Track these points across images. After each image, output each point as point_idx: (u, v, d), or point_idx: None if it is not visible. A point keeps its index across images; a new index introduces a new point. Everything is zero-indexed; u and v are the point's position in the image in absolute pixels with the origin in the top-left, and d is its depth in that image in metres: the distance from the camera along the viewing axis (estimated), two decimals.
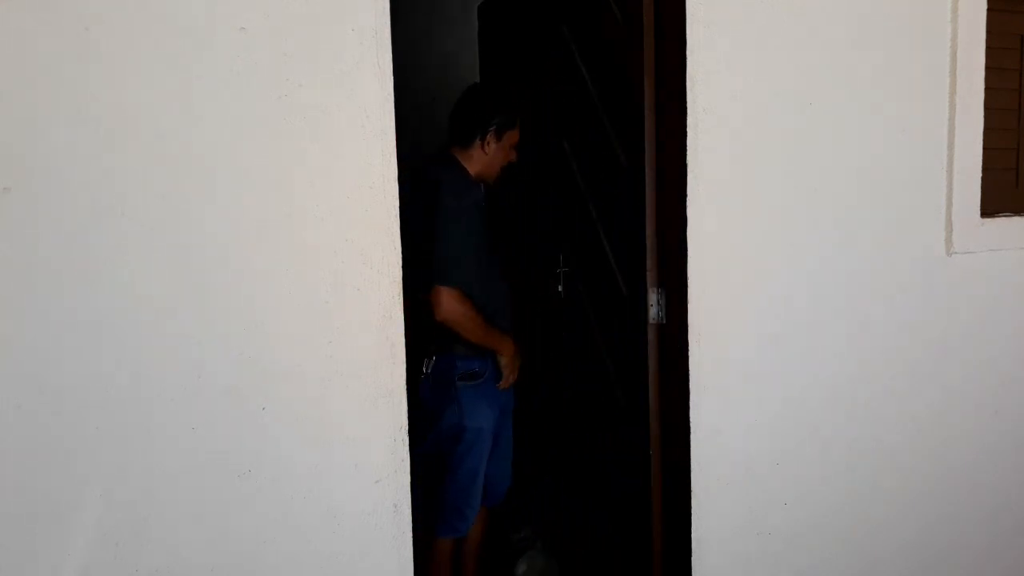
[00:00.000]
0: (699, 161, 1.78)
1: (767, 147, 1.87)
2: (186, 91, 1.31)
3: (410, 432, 1.54)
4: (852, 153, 1.98)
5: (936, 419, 2.19)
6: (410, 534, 1.54)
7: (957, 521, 2.26)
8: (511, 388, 2.26)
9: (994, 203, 2.21)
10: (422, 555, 1.60)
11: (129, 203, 1.29)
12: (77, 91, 1.24)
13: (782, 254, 1.92)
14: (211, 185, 1.34)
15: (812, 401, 1.99)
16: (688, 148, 1.77)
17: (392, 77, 1.46)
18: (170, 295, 1.32)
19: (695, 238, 1.80)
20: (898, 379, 2.11)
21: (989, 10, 2.12)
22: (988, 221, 2.19)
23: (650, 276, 1.93)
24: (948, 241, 2.13)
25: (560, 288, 2.50)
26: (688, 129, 1.77)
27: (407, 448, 1.52)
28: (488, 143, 2.15)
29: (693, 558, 1.87)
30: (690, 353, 1.82)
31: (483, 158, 2.17)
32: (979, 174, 2.15)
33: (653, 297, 1.93)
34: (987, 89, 2.13)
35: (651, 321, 1.94)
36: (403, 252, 1.50)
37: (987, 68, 2.13)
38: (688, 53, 1.75)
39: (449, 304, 1.98)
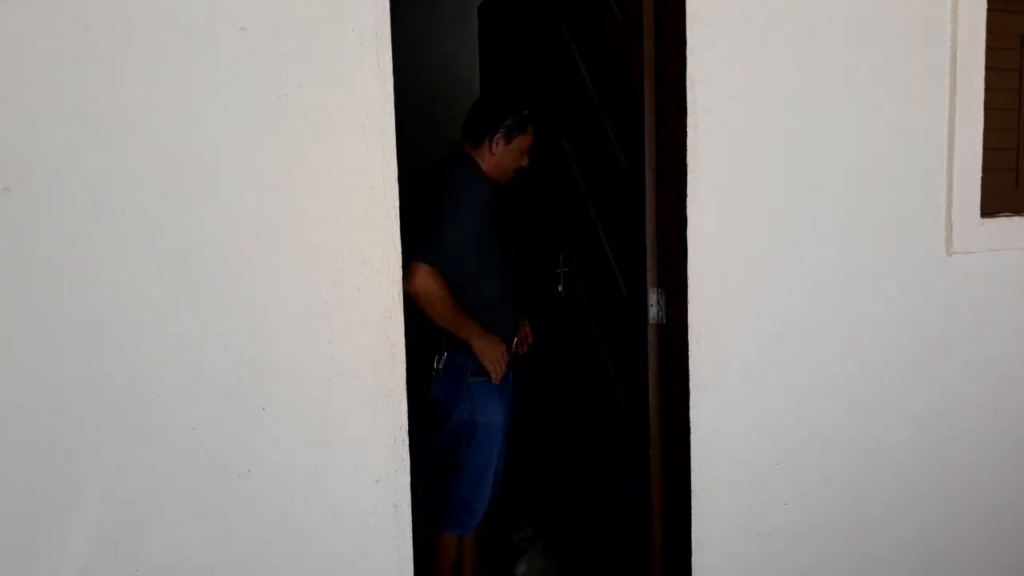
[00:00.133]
0: (699, 161, 1.78)
1: (767, 147, 1.87)
2: (186, 91, 1.31)
3: (418, 430, 1.54)
4: (852, 153, 1.98)
5: (936, 419, 2.19)
6: (410, 534, 1.54)
7: (957, 521, 2.26)
8: (511, 385, 2.26)
9: (994, 203, 2.21)
10: (422, 555, 1.60)
11: (129, 203, 1.29)
12: (77, 91, 1.24)
13: (782, 254, 1.92)
14: (211, 185, 1.34)
15: (812, 401, 1.99)
16: (688, 148, 1.77)
17: (392, 77, 1.46)
18: (170, 295, 1.32)
19: (695, 238, 1.80)
20: (898, 379, 2.11)
21: (989, 10, 2.12)
22: (988, 221, 2.19)
23: (650, 276, 1.93)
24: (948, 241, 2.13)
25: (560, 288, 2.50)
26: (688, 129, 1.77)
27: (407, 448, 1.52)
28: (496, 144, 2.17)
29: (693, 558, 1.87)
30: (690, 353, 1.82)
31: (491, 158, 2.19)
32: (979, 174, 2.15)
33: (653, 297, 1.93)
34: (987, 89, 2.13)
35: (651, 321, 1.94)
36: (403, 252, 1.50)
37: (987, 68, 2.13)
38: (688, 53, 1.75)
39: (423, 280, 1.97)
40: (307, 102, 1.39)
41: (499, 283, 2.23)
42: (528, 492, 2.81)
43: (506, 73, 3.01)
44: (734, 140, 1.82)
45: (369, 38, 1.43)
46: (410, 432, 1.53)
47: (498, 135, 2.17)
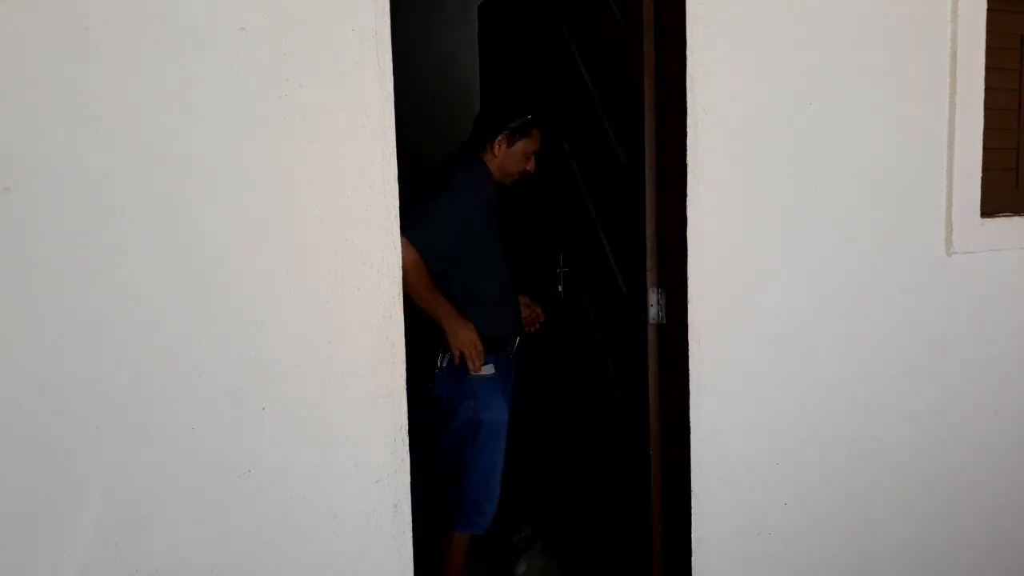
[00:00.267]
0: (699, 161, 1.78)
1: (767, 147, 1.87)
2: (186, 91, 1.31)
3: (418, 430, 1.54)
4: (852, 153, 1.98)
5: (936, 419, 2.18)
6: (410, 534, 1.54)
7: (957, 521, 2.26)
8: (511, 384, 2.26)
9: (994, 203, 2.21)
10: (422, 555, 1.60)
11: (129, 203, 1.29)
12: (77, 91, 1.24)
13: (782, 254, 1.92)
14: (211, 185, 1.34)
15: (812, 401, 1.99)
16: (688, 148, 1.77)
17: (392, 77, 1.46)
18: (170, 295, 1.32)
19: (695, 238, 1.80)
20: (898, 379, 2.11)
21: (989, 10, 2.11)
22: (988, 221, 2.19)
23: (650, 276, 1.93)
24: (948, 241, 2.13)
25: (560, 288, 2.50)
26: (688, 129, 1.77)
27: (407, 448, 1.52)
28: (499, 146, 2.18)
29: (693, 558, 1.87)
30: (690, 353, 1.82)
31: (494, 160, 2.21)
32: (979, 174, 2.15)
33: (653, 297, 1.93)
34: (987, 89, 2.13)
35: (651, 321, 1.94)
36: None
37: (987, 68, 2.13)
38: (688, 53, 1.75)
39: (403, 248, 1.97)
40: (307, 102, 1.39)
41: (499, 283, 2.24)
42: (528, 492, 2.81)
43: (506, 73, 3.01)
44: (734, 140, 1.82)
45: (369, 38, 1.43)
46: (410, 432, 1.53)
47: (500, 137, 2.18)
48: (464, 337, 2.09)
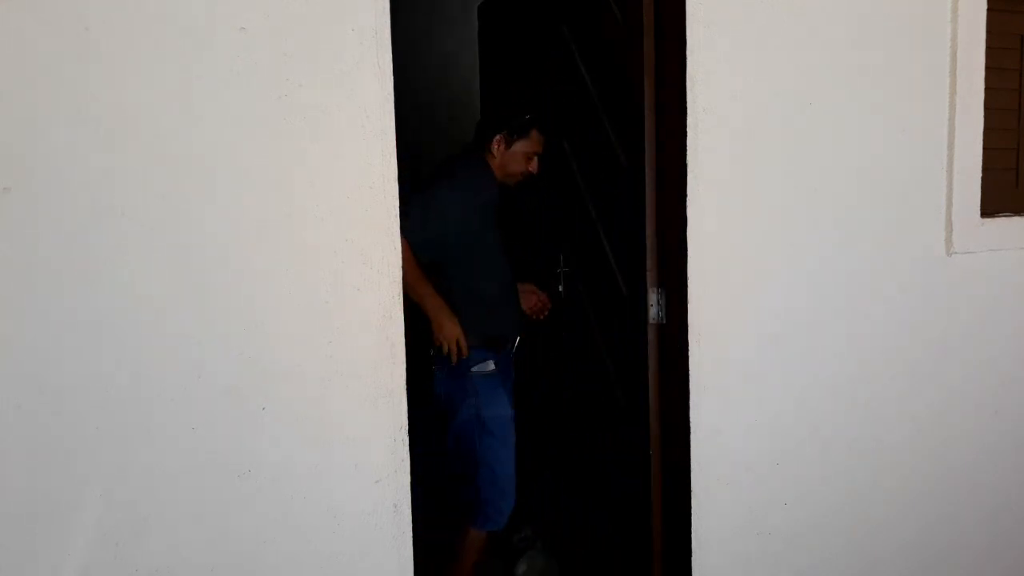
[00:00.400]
0: (699, 161, 1.78)
1: (767, 147, 1.87)
2: (186, 91, 1.31)
3: (418, 430, 1.54)
4: (852, 153, 1.98)
5: (936, 419, 2.19)
6: (410, 534, 1.54)
7: (957, 521, 2.26)
8: (511, 382, 2.26)
9: (994, 203, 2.21)
10: (422, 555, 1.60)
11: (129, 203, 1.29)
12: (77, 91, 1.24)
13: (782, 254, 1.92)
14: (211, 185, 1.34)
15: (812, 401, 1.99)
16: (688, 148, 1.77)
17: (392, 77, 1.46)
18: (170, 295, 1.32)
19: (695, 238, 1.80)
20: (898, 379, 2.11)
21: (989, 10, 2.11)
22: (988, 221, 2.19)
23: (650, 276, 1.93)
24: (948, 241, 2.13)
25: (560, 288, 2.50)
26: (688, 129, 1.77)
27: (407, 448, 1.52)
28: (497, 146, 2.19)
29: (693, 558, 1.87)
30: (690, 353, 1.82)
31: (494, 160, 2.22)
32: (979, 174, 2.15)
33: (653, 297, 1.93)
34: (987, 89, 2.13)
35: (651, 321, 1.94)
36: None
37: (987, 68, 2.13)
38: (688, 53, 1.75)
39: None
40: (307, 102, 1.39)
41: (500, 283, 2.24)
42: (528, 491, 2.81)
43: (506, 73, 3.01)
44: (734, 140, 1.82)
45: (369, 38, 1.43)
46: (410, 432, 1.53)
47: (498, 138, 2.19)
48: (448, 331, 2.11)
